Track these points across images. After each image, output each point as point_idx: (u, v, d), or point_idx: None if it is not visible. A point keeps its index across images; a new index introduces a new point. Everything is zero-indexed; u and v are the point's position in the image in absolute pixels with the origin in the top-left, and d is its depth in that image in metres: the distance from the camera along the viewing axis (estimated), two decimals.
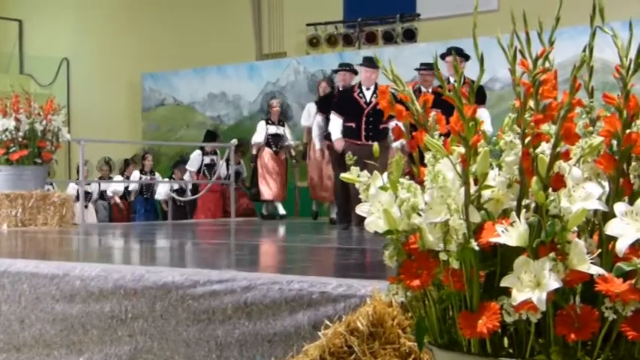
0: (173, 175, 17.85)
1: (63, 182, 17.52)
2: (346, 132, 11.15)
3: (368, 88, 11.14)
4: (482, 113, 9.31)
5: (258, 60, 19.43)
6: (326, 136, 12.19)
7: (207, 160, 16.78)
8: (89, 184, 17.05)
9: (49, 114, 10.76)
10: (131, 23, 20.26)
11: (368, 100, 11.08)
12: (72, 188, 17.09)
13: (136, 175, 18.20)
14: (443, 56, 10.45)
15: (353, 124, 11.09)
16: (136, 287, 4.66)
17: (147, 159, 18.37)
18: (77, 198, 17.03)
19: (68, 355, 4.91)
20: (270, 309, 4.12)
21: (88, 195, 17.44)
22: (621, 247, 2.02)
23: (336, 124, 11.30)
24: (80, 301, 4.88)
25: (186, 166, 16.99)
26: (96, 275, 4.89)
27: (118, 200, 18.14)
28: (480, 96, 9.00)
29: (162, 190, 17.72)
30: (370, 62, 11.08)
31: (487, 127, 9.01)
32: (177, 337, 4.45)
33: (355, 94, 11.20)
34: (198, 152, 16.85)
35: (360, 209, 2.42)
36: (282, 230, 11.65)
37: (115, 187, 18.02)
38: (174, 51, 19.51)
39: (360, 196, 2.43)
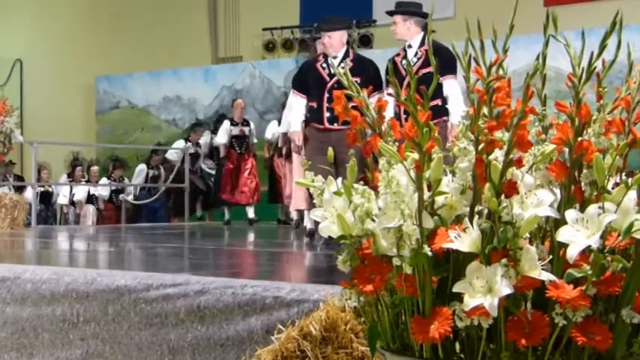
0: (113, 175, 17.65)
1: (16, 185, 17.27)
2: (309, 114, 8.93)
3: (335, 57, 8.67)
4: (452, 85, 7.79)
5: (214, 64, 19.39)
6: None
7: (151, 173, 16.78)
8: (45, 186, 16.88)
9: (2, 115, 10.65)
10: (86, 25, 20.12)
11: (333, 71, 8.62)
12: (83, 191, 16.99)
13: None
14: (391, 13, 8.51)
15: (314, 104, 8.73)
16: (88, 290, 4.63)
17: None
18: (89, 201, 16.95)
19: (19, 358, 4.86)
20: (224, 313, 4.11)
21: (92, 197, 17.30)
22: (572, 253, 2.04)
23: (296, 109, 8.99)
24: (31, 304, 4.84)
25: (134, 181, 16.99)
26: (47, 278, 4.85)
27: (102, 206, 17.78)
28: (448, 66, 7.36)
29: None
30: (327, 24, 8.82)
31: (458, 102, 7.67)
32: (130, 341, 4.43)
33: (318, 65, 8.76)
34: (142, 167, 16.86)
35: (314, 214, 2.42)
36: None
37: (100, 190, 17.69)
38: (130, 54, 19.41)
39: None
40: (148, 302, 4.38)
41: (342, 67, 7.93)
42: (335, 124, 8.28)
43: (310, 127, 8.72)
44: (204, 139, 15.82)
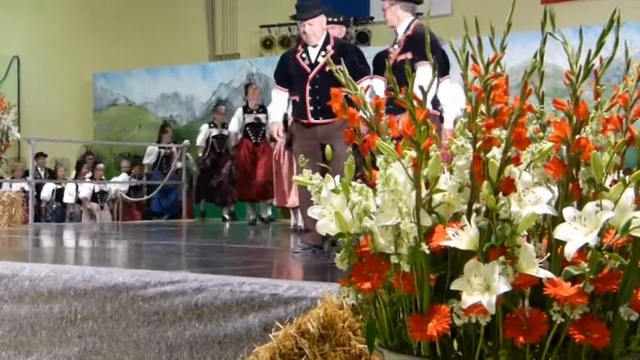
0: (132, 171, 17.69)
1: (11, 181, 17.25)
2: (293, 109, 8.50)
3: (315, 45, 7.90)
4: (447, 86, 7.68)
5: (212, 61, 19.37)
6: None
7: (162, 152, 16.72)
8: (61, 183, 16.87)
9: None
10: (84, 22, 20.10)
11: (313, 60, 7.95)
12: (88, 188, 16.98)
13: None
14: None
15: (297, 97, 8.10)
16: (86, 288, 4.63)
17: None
18: (94, 199, 16.91)
19: (16, 356, 4.86)
20: (221, 311, 4.11)
21: (104, 194, 17.26)
22: (570, 251, 2.04)
23: (277, 102, 8.40)
24: (29, 301, 4.84)
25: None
26: (45, 276, 4.85)
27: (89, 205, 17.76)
28: (442, 66, 7.25)
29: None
30: (305, 12, 7.97)
31: (457, 100, 7.41)
32: (128, 339, 4.43)
33: (298, 56, 8.02)
34: (154, 147, 16.87)
35: (312, 212, 2.42)
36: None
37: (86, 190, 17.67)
38: (127, 51, 19.39)
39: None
40: (146, 300, 4.39)
41: (323, 56, 7.52)
42: (320, 118, 7.67)
43: (296, 123, 8.18)
44: (201, 135, 15.27)
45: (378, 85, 7.44)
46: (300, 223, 9.74)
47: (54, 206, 17.33)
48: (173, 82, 19.32)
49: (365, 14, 17.61)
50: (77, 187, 17.30)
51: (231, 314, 4.07)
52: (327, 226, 2.37)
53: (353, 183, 2.34)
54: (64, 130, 19.01)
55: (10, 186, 14.65)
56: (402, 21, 7.53)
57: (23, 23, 20.84)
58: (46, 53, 20.53)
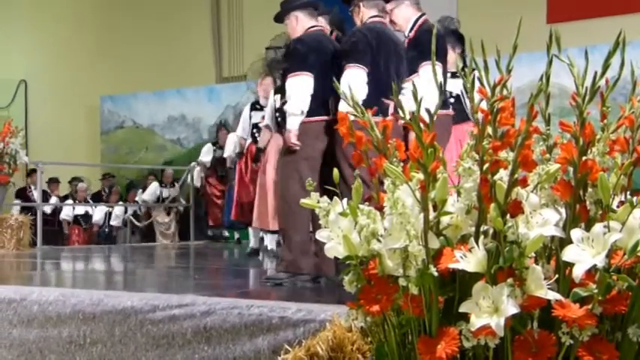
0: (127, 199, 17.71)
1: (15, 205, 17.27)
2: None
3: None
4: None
5: (218, 83, 19.40)
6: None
7: (165, 193, 16.64)
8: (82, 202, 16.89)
9: (7, 137, 10.67)
10: (90, 46, 20.16)
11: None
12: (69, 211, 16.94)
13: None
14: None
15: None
16: (95, 312, 4.63)
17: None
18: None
19: None
20: (230, 334, 4.11)
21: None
22: (578, 272, 2.04)
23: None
24: (38, 325, 4.84)
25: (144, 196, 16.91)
26: (54, 300, 4.85)
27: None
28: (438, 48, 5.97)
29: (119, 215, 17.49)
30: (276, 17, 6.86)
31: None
32: None
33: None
34: (156, 184, 16.80)
35: (320, 235, 2.42)
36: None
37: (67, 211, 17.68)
38: (134, 74, 19.43)
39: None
40: (155, 323, 4.38)
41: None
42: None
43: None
44: (205, 155, 14.94)
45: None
46: (271, 246, 9.25)
47: (107, 230, 17.35)
48: (180, 105, 19.34)
49: None
50: (126, 209, 17.36)
51: (240, 337, 4.07)
52: (335, 248, 2.38)
53: (360, 206, 2.35)
54: (71, 153, 19.05)
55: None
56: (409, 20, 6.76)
57: (30, 47, 20.92)
58: (53, 77, 20.60)
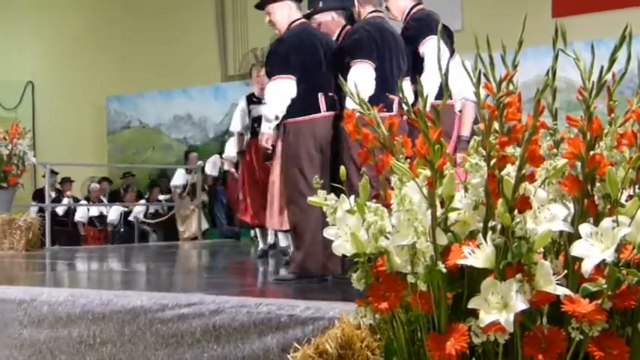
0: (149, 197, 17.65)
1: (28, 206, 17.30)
2: None
3: None
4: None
5: (224, 82, 19.39)
6: None
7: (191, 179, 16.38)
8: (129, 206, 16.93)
9: (15, 138, 10.69)
10: (96, 46, 20.17)
11: None
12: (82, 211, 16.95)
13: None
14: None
15: None
16: (104, 312, 4.64)
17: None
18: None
19: None
20: (239, 332, 4.11)
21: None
22: (587, 267, 2.04)
23: None
24: (48, 326, 4.85)
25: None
26: (64, 300, 4.86)
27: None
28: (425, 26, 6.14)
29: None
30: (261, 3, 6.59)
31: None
32: None
33: None
34: (182, 171, 16.67)
35: (328, 233, 2.42)
36: None
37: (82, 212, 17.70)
38: (139, 73, 19.43)
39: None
40: (164, 322, 4.39)
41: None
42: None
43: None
44: (212, 164, 14.89)
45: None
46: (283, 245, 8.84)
47: (122, 230, 17.32)
48: (186, 104, 19.34)
49: None
50: (148, 209, 17.32)
51: (249, 336, 4.07)
52: (342, 246, 2.37)
53: (368, 203, 2.34)
54: (78, 154, 19.08)
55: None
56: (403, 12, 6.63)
57: (37, 49, 20.96)
58: (59, 78, 20.63)
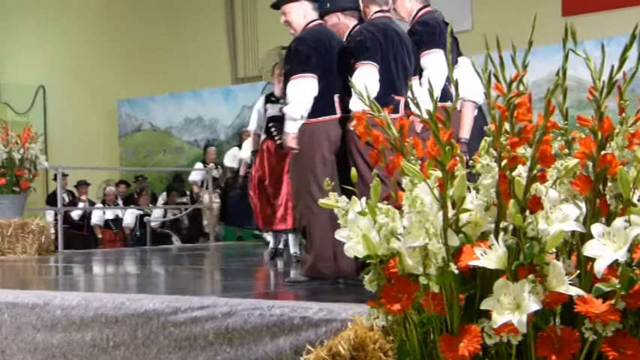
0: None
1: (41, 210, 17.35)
2: None
3: None
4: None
5: (234, 84, 19.40)
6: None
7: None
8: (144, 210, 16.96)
9: (27, 142, 10.72)
10: (106, 50, 20.22)
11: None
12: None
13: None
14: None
15: None
16: (117, 315, 4.64)
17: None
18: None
19: None
20: (252, 335, 4.11)
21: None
22: (599, 267, 2.03)
23: None
24: (61, 330, 4.86)
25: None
26: (77, 304, 4.87)
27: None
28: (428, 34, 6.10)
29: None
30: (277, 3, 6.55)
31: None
32: None
33: None
34: (200, 165, 16.63)
35: (339, 235, 2.42)
36: None
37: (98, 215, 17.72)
38: (150, 77, 19.47)
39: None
40: (177, 325, 4.39)
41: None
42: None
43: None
44: (231, 157, 14.60)
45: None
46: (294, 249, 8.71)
47: (138, 233, 17.31)
48: (196, 106, 19.37)
49: None
50: (165, 212, 17.29)
51: (262, 338, 4.07)
52: (354, 248, 2.37)
53: (379, 205, 2.34)
54: (90, 157, 19.14)
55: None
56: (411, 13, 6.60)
57: (48, 53, 21.03)
58: (70, 82, 20.69)
